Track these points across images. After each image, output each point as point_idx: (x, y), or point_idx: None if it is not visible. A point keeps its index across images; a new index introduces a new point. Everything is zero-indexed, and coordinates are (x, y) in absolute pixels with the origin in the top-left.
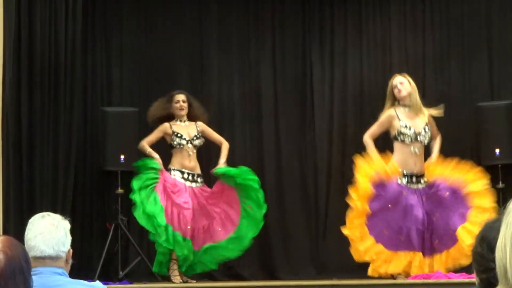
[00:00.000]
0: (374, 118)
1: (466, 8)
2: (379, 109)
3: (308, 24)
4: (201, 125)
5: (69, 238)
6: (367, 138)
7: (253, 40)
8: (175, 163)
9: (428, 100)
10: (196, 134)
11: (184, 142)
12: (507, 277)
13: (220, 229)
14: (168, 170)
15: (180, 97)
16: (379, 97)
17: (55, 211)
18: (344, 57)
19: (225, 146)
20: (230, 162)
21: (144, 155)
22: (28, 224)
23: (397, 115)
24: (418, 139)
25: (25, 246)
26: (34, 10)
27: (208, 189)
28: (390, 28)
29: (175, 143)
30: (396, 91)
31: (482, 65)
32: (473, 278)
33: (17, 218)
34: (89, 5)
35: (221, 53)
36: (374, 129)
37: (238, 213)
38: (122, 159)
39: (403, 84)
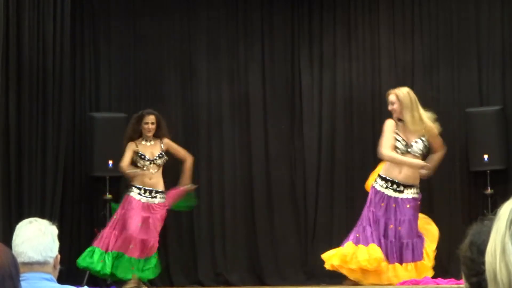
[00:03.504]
0: (362, 123)
1: (455, 14)
2: (368, 114)
3: (297, 29)
4: (166, 143)
5: (57, 244)
6: (389, 152)
7: (241, 46)
8: (136, 180)
9: None
10: (159, 153)
11: (147, 163)
12: (497, 281)
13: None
14: (130, 187)
15: (150, 118)
16: (367, 102)
17: (43, 217)
18: (333, 63)
19: (189, 163)
20: (219, 167)
21: (128, 179)
22: (16, 230)
23: (395, 125)
24: (409, 151)
25: (13, 251)
26: (22, 16)
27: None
28: (379, 34)
29: (139, 164)
30: (390, 108)
31: (471, 71)
32: (462, 284)
33: (5, 224)
34: (78, 11)
35: (210, 59)
36: (387, 142)
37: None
38: (110, 165)
39: (393, 104)
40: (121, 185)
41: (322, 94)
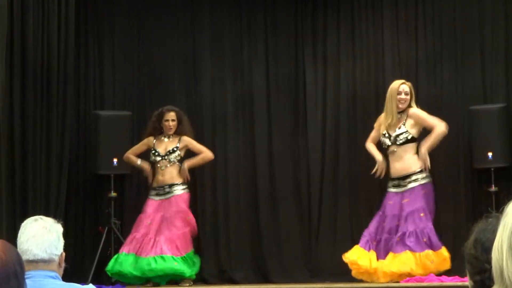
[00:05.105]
0: (366, 121)
1: (459, 12)
2: (372, 112)
3: (301, 28)
4: (185, 140)
5: (61, 242)
6: (367, 144)
7: (245, 44)
8: (153, 181)
9: (420, 103)
10: (173, 148)
11: (158, 158)
12: (503, 277)
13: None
14: (150, 190)
15: (170, 115)
16: (371, 101)
17: (48, 215)
18: (337, 61)
19: (202, 156)
20: (223, 166)
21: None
22: (21, 228)
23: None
24: (395, 141)
25: (18, 249)
26: (27, 15)
27: (180, 201)
28: (382, 32)
29: (151, 159)
30: (400, 97)
31: (474, 68)
32: (466, 282)
33: (10, 222)
34: (82, 9)
35: (214, 57)
36: (372, 135)
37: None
38: (115, 163)
39: (407, 95)
40: (126, 183)
41: (326, 92)
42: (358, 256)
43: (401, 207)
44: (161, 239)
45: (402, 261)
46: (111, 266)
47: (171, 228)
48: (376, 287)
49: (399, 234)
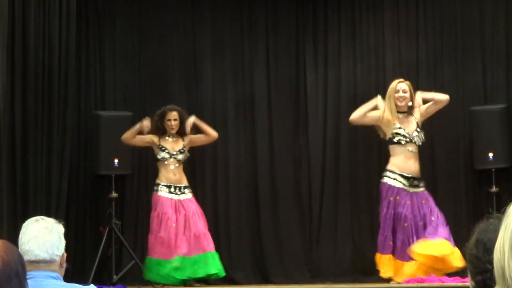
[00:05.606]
0: None
1: (459, 12)
2: None
3: (302, 28)
4: (189, 138)
5: (63, 242)
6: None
7: (246, 44)
8: (161, 177)
9: None
10: (181, 149)
11: (167, 156)
12: (505, 277)
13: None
14: (156, 185)
15: (173, 115)
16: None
17: (49, 215)
18: (337, 61)
19: (210, 129)
20: (224, 166)
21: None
22: (22, 228)
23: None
24: (412, 140)
25: (19, 250)
26: (28, 14)
27: (195, 202)
28: (383, 32)
29: (159, 156)
30: (398, 96)
31: (475, 69)
32: (467, 282)
33: (11, 222)
34: (83, 9)
35: (215, 57)
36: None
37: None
38: (115, 163)
39: (406, 92)
40: (126, 183)
41: (327, 92)
42: (388, 269)
43: (423, 205)
44: (197, 234)
45: (438, 245)
46: (152, 275)
47: (198, 224)
48: (376, 287)
49: (430, 218)
